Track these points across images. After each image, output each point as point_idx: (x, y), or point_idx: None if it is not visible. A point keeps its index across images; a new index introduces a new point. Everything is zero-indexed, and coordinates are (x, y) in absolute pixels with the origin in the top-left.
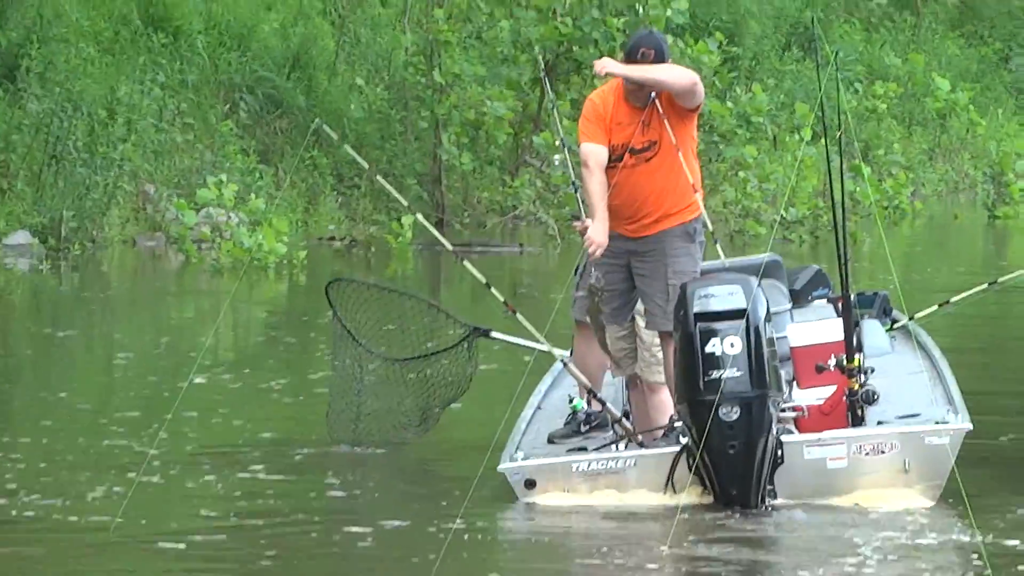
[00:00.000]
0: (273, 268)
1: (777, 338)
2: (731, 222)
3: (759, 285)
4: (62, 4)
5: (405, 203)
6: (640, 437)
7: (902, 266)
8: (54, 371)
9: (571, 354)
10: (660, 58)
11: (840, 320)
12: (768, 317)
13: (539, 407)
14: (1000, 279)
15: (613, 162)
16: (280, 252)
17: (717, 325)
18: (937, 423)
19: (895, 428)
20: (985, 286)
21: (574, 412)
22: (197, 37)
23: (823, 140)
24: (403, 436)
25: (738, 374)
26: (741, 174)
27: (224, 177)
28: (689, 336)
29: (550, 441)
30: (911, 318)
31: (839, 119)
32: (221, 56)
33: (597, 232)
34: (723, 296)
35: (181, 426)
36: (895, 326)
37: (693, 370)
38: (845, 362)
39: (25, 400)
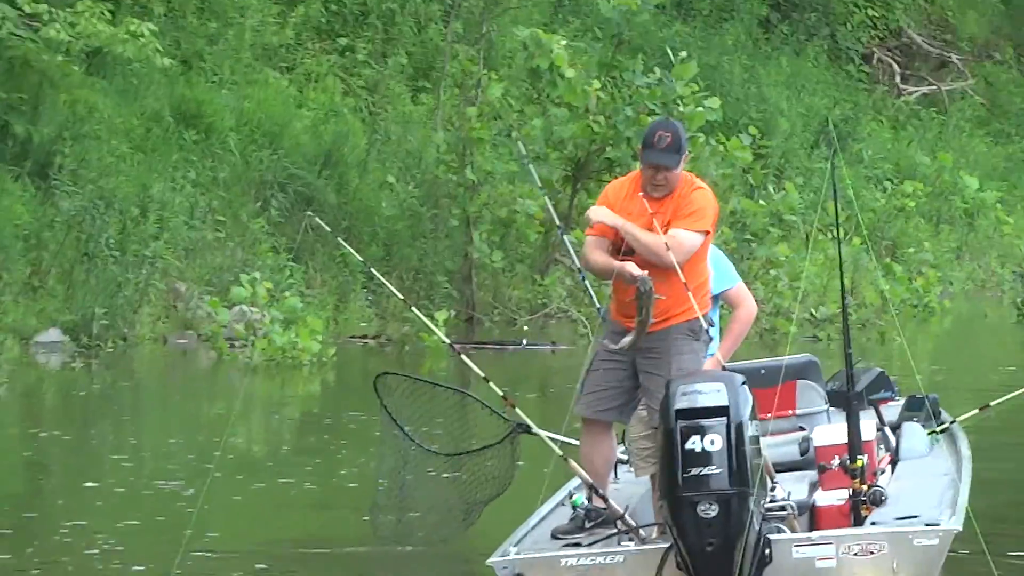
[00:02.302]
0: (308, 366)
1: (804, 438)
2: (762, 320)
3: (746, 383)
4: (95, 101)
5: (401, 297)
6: (643, 533)
7: (933, 364)
8: (82, 470)
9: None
10: (677, 143)
11: (872, 420)
12: (754, 416)
13: (562, 503)
14: None
15: (625, 255)
16: (314, 350)
17: (698, 422)
18: (927, 524)
19: (884, 528)
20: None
21: (574, 508)
22: (229, 134)
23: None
24: (445, 533)
25: (718, 471)
26: (772, 272)
27: (257, 275)
28: (670, 432)
29: (553, 536)
30: (952, 421)
31: (836, 212)
32: (253, 153)
33: (631, 267)
34: (705, 393)
35: (212, 527)
36: (940, 429)
37: (673, 466)
38: (849, 463)
39: (53, 502)
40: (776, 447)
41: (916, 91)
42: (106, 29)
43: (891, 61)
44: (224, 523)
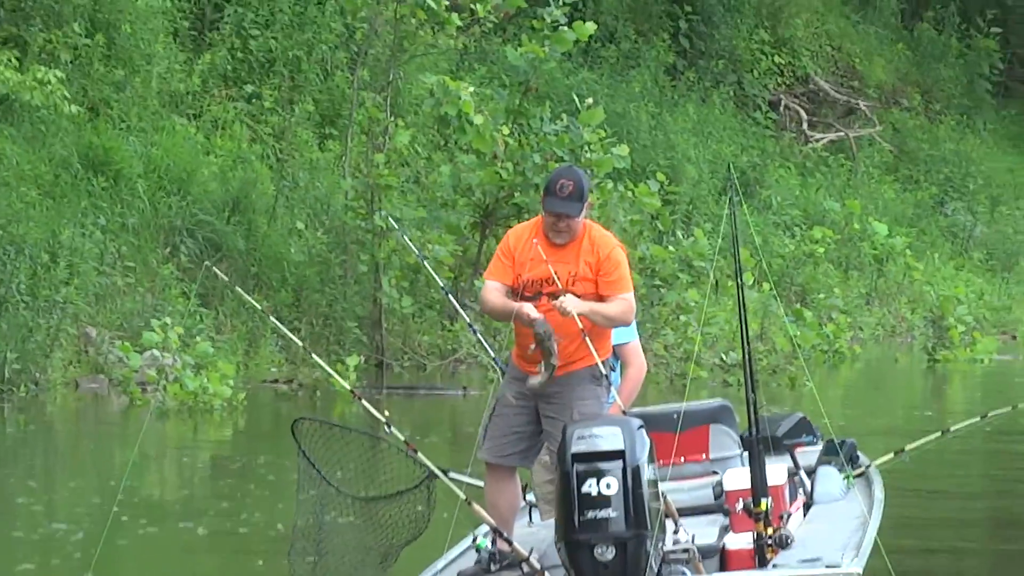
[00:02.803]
0: (219, 410)
1: (718, 482)
2: (672, 365)
3: (643, 427)
4: (3, 148)
5: (300, 343)
6: (548, 575)
7: (846, 409)
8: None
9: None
10: (579, 190)
11: (784, 464)
12: (651, 459)
13: (469, 547)
14: (952, 427)
15: (527, 299)
16: (225, 394)
17: (594, 465)
18: (828, 567)
19: (785, 572)
20: (939, 434)
21: (478, 551)
22: (137, 181)
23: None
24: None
25: (614, 515)
26: (683, 318)
27: (168, 320)
28: (566, 475)
29: None
30: (868, 465)
31: (736, 257)
32: (161, 200)
33: (528, 308)
34: (601, 437)
35: (119, 570)
36: (857, 473)
37: (569, 509)
38: (752, 506)
39: None
40: (690, 491)
41: (824, 138)
42: (13, 76)
43: (798, 108)
44: (131, 565)
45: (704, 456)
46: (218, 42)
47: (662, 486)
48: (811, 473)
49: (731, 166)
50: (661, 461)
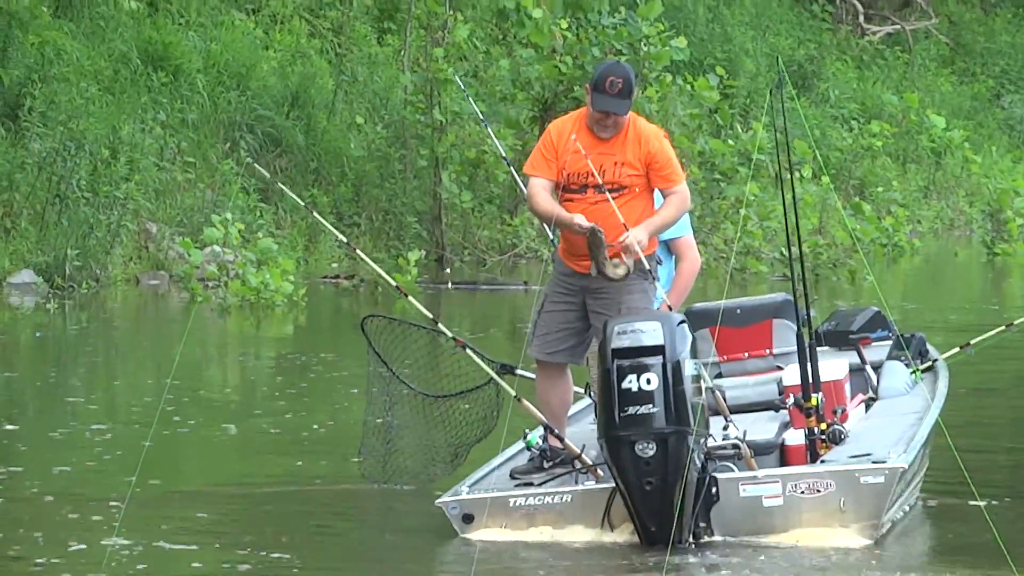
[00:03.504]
0: (281, 306)
1: (779, 379)
2: (732, 259)
3: (684, 322)
4: (63, 43)
5: (344, 240)
6: (600, 472)
7: (907, 303)
8: (48, 413)
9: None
10: (628, 87)
11: (844, 359)
12: (695, 354)
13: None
14: (1016, 321)
15: (573, 192)
16: (287, 291)
17: (634, 361)
18: (874, 462)
19: (830, 467)
20: (1003, 328)
21: (528, 448)
22: (196, 76)
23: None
24: (432, 473)
25: (654, 410)
26: (742, 212)
27: (229, 216)
28: (607, 372)
29: (512, 476)
30: (936, 359)
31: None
32: (220, 95)
33: (579, 219)
34: (641, 332)
35: (185, 465)
36: (924, 367)
37: (609, 406)
38: (803, 401)
39: (28, 443)
40: (755, 387)
41: (880, 31)
42: None
43: (854, 1)
44: (195, 462)
45: (768, 351)
46: None
47: (726, 381)
48: (877, 368)
49: (779, 60)
50: (725, 356)
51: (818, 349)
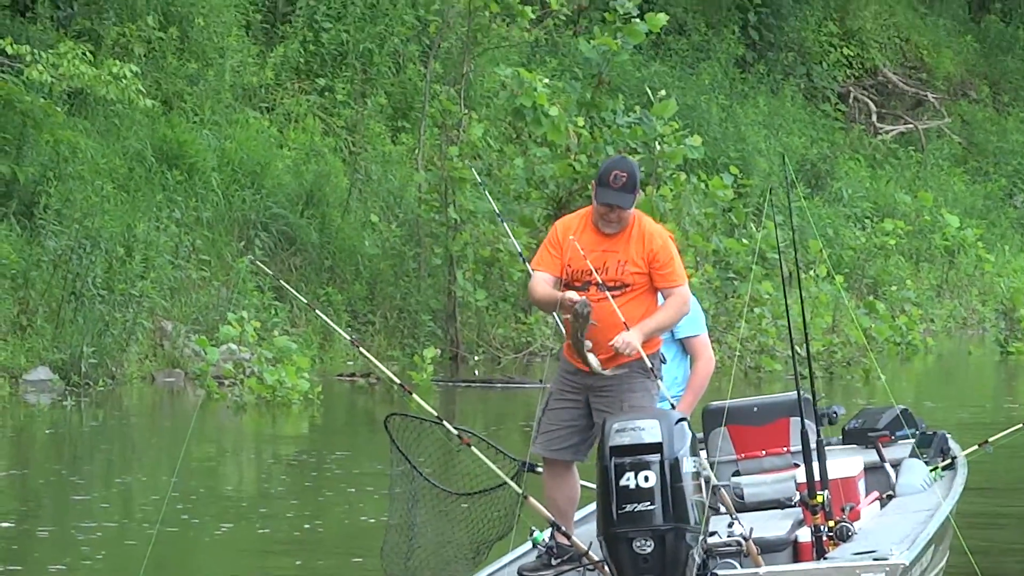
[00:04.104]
0: (297, 404)
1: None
2: (747, 358)
3: (682, 420)
4: (78, 141)
5: (348, 338)
6: (608, 569)
7: (920, 401)
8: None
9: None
10: (632, 182)
11: (859, 456)
12: (695, 451)
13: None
14: None
15: (577, 290)
16: (303, 388)
17: (631, 459)
18: (875, 560)
19: (831, 564)
20: (1020, 426)
21: (534, 544)
22: (211, 174)
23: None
24: (454, 571)
25: (652, 507)
26: (756, 310)
27: (245, 314)
28: (605, 469)
29: (520, 574)
30: (954, 457)
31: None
32: (235, 193)
33: (570, 294)
34: (638, 430)
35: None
36: (944, 465)
37: (608, 502)
38: (808, 498)
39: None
40: (773, 484)
41: (893, 130)
42: (88, 71)
43: (867, 100)
44: (209, 561)
45: (785, 449)
46: (290, 35)
47: (743, 479)
48: (897, 465)
49: (785, 157)
50: (743, 455)
51: (840, 447)
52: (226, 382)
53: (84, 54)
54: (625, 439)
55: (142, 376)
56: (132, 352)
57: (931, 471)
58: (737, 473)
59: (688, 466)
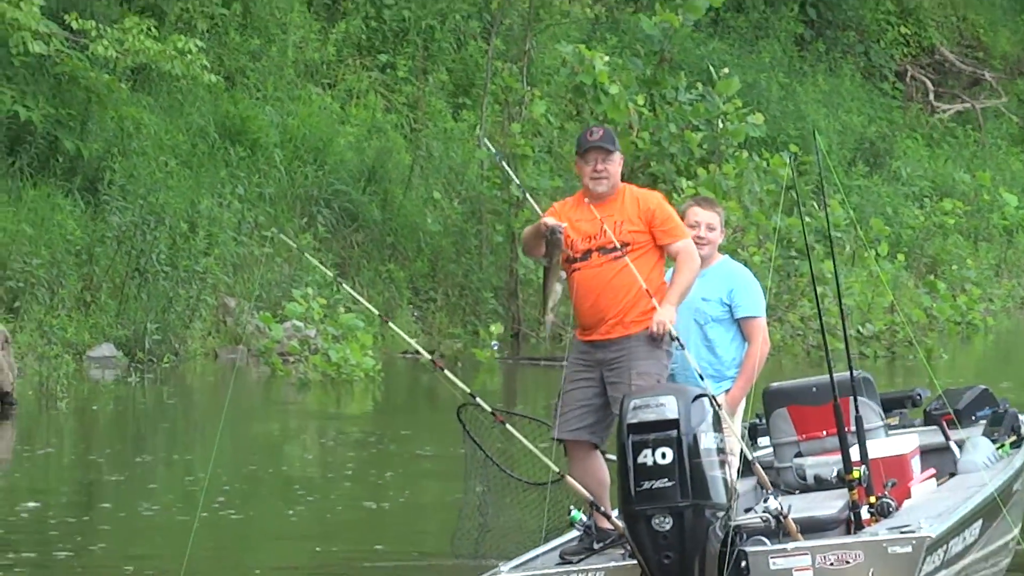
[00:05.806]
0: (359, 381)
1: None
2: (809, 337)
3: (703, 396)
4: (141, 117)
5: (378, 314)
6: None
7: (981, 380)
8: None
9: None
10: (609, 136)
11: (914, 434)
12: (717, 428)
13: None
14: None
15: (578, 261)
16: (368, 366)
17: (648, 436)
18: (902, 532)
19: (860, 538)
20: None
21: (572, 524)
22: (274, 150)
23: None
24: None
25: (669, 484)
26: (818, 289)
27: (310, 291)
28: (622, 447)
29: (561, 557)
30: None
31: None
32: (298, 169)
33: (546, 218)
34: (655, 407)
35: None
36: (1011, 442)
37: (626, 480)
38: (844, 474)
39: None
40: (835, 464)
41: (950, 109)
42: (153, 46)
43: (924, 79)
44: (271, 542)
45: (846, 429)
46: (352, 11)
47: (806, 460)
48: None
49: (815, 134)
50: (804, 435)
51: (907, 429)
52: (291, 359)
53: (148, 29)
54: (641, 416)
55: (205, 352)
56: (195, 328)
57: (998, 448)
58: (799, 454)
59: (708, 442)
